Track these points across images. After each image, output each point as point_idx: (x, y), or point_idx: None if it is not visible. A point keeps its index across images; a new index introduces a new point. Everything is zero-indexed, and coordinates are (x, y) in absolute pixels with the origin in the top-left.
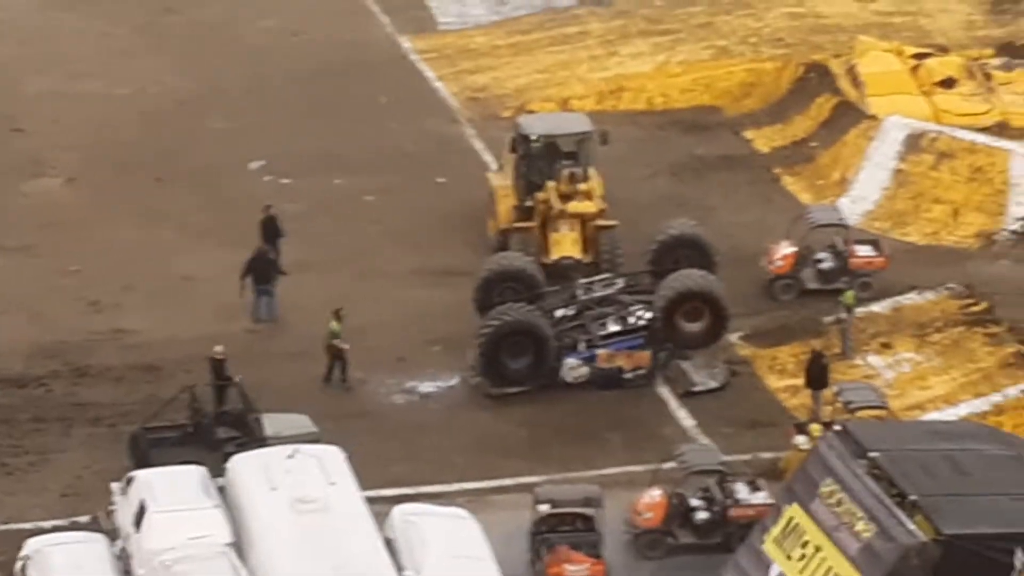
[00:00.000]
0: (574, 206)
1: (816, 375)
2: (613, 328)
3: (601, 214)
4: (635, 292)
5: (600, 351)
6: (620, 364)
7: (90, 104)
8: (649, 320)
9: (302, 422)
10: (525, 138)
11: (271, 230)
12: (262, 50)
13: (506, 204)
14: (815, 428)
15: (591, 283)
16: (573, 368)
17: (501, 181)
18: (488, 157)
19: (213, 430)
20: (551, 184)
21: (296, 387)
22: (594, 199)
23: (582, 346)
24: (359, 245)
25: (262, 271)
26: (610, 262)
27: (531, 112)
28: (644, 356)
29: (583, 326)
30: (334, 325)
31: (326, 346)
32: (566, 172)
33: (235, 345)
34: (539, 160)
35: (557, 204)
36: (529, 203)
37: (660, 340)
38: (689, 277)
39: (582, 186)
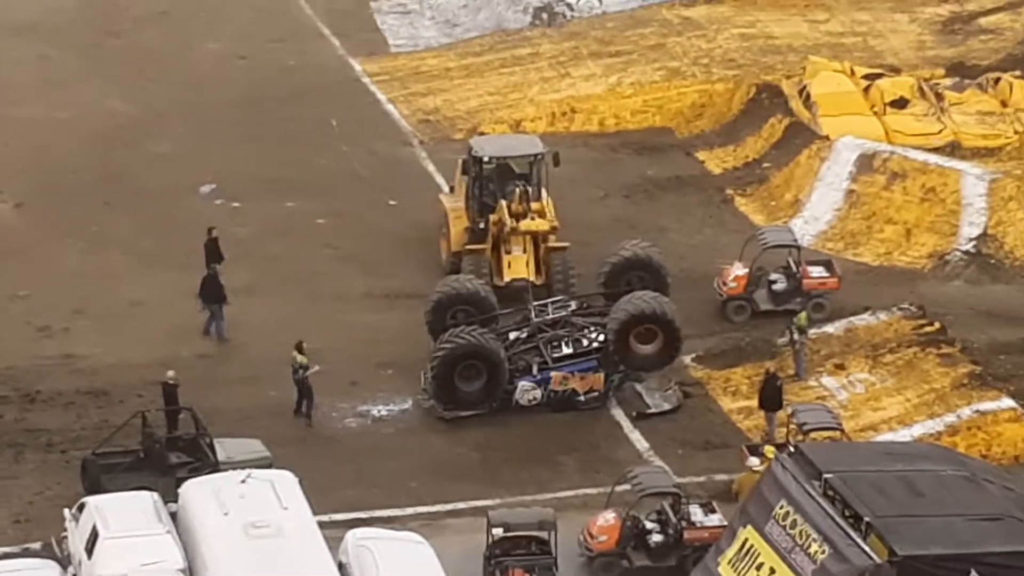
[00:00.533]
0: (526, 224)
1: (770, 396)
2: (566, 351)
3: (553, 232)
4: (588, 314)
5: (553, 374)
6: (574, 387)
7: (34, 129)
8: (602, 342)
9: (254, 447)
10: (477, 160)
11: (214, 253)
12: (209, 74)
13: (458, 226)
14: (769, 450)
15: (544, 305)
16: (526, 391)
17: (453, 203)
18: (440, 179)
19: (165, 455)
20: (503, 203)
21: (248, 411)
22: (546, 218)
23: (535, 369)
24: (311, 268)
25: (211, 292)
26: (563, 284)
27: (483, 134)
28: (597, 378)
29: (536, 348)
30: (301, 358)
31: (296, 381)
32: (518, 191)
33: (186, 369)
34: (491, 182)
35: (509, 222)
36: (482, 225)
37: (613, 362)
38: (642, 299)
39: (534, 205)
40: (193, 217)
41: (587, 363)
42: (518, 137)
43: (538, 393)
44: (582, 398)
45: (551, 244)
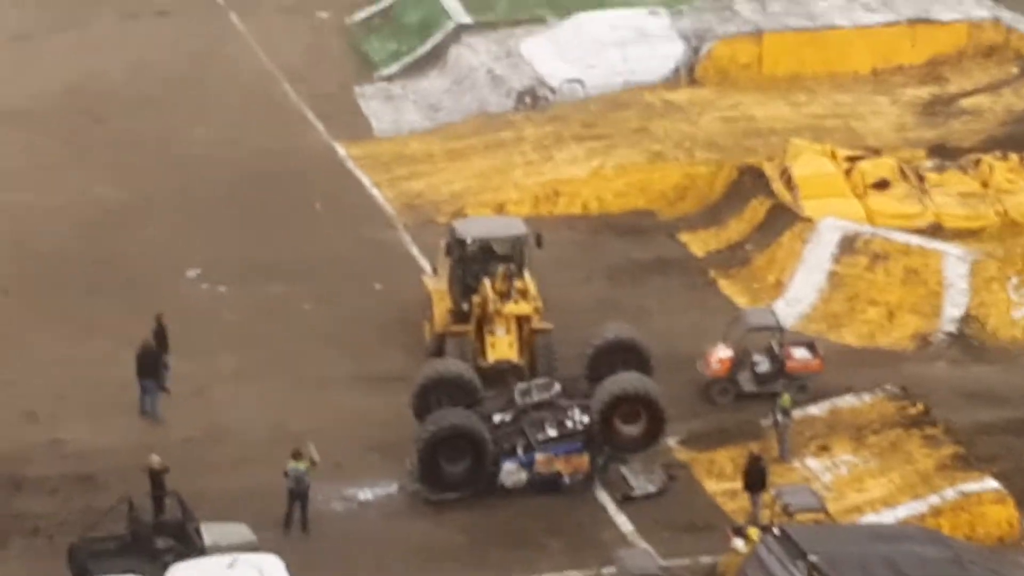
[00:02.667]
0: (510, 307)
1: (754, 478)
2: (551, 432)
3: (537, 314)
4: (572, 396)
5: (538, 456)
6: (559, 469)
7: (22, 215)
8: (587, 424)
9: (241, 531)
10: (460, 242)
11: (161, 340)
12: (195, 158)
13: (442, 308)
14: (753, 531)
15: (528, 387)
16: (511, 473)
17: (437, 285)
18: (424, 262)
19: (152, 540)
20: (486, 282)
21: (234, 496)
22: (529, 299)
23: (520, 451)
24: (296, 352)
25: (148, 366)
26: (546, 366)
27: (466, 216)
28: (583, 460)
29: (521, 431)
30: (295, 465)
31: (290, 490)
32: (501, 270)
33: (172, 454)
34: (474, 263)
35: (493, 304)
36: (465, 307)
37: (598, 444)
38: (626, 380)
39: (518, 284)
40: (180, 302)
41: (572, 445)
42: (501, 219)
43: (523, 475)
44: (567, 480)
45: (535, 326)
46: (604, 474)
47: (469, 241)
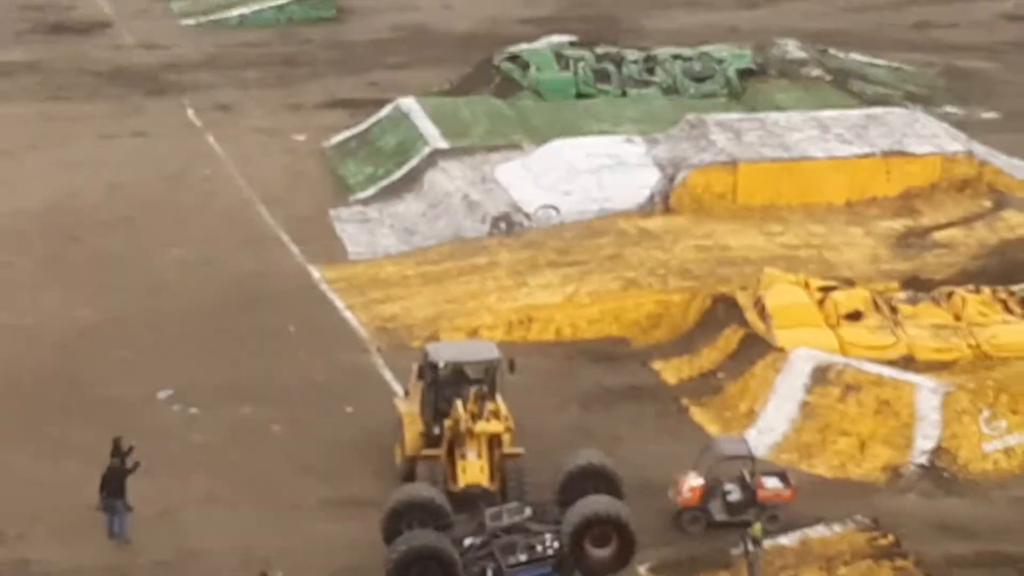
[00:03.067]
0: (481, 426)
1: None
2: (521, 557)
3: (508, 433)
4: (543, 521)
5: None
6: None
7: None
8: (557, 548)
9: None
10: (433, 365)
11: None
12: (169, 279)
13: (413, 431)
14: None
15: (499, 511)
16: None
17: (408, 408)
18: (397, 387)
19: None
20: (458, 403)
21: None
22: (501, 419)
23: (490, 574)
24: (267, 475)
25: (114, 487)
26: (517, 490)
27: (439, 340)
28: None
29: (491, 554)
30: None
31: None
32: (474, 391)
33: None
34: (447, 387)
35: (465, 423)
36: (436, 430)
37: (569, 568)
38: (597, 502)
39: (490, 406)
40: (151, 424)
41: (542, 569)
42: (473, 343)
43: None
44: None
45: (506, 451)
46: None
47: (442, 365)
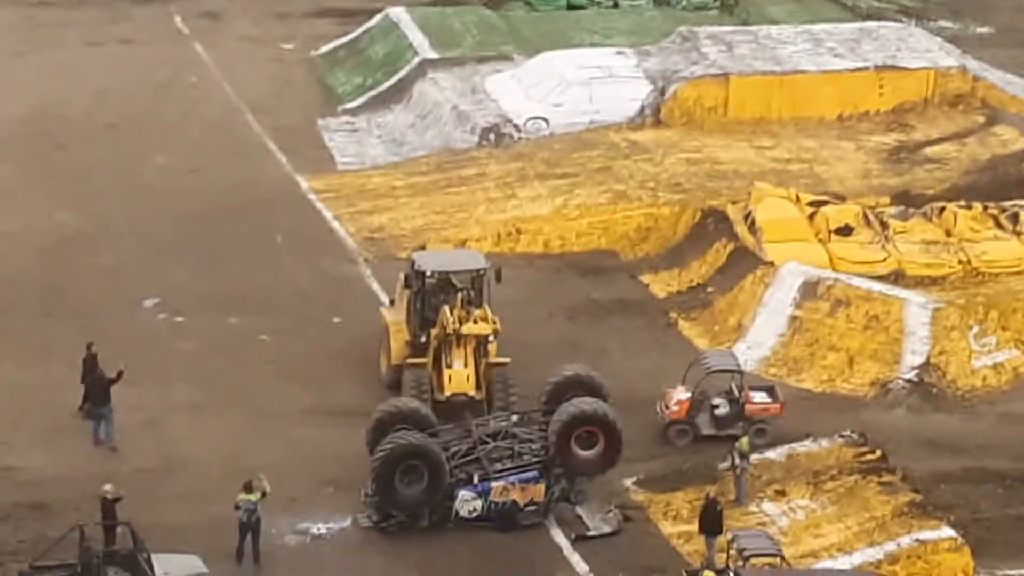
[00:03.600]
0: (468, 327)
1: (710, 521)
2: (507, 462)
3: (495, 335)
4: (529, 428)
5: (494, 484)
6: (514, 498)
7: None
8: (543, 452)
9: (192, 563)
10: (420, 274)
11: (91, 368)
12: (156, 187)
13: (399, 340)
14: (708, 574)
15: (486, 420)
16: (467, 501)
17: (394, 317)
18: (384, 297)
19: (103, 570)
20: (446, 309)
21: (187, 527)
22: (489, 322)
23: (476, 479)
24: (253, 384)
25: (100, 395)
26: (503, 399)
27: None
28: (538, 490)
29: (477, 460)
30: (246, 497)
31: (241, 523)
32: (461, 296)
33: (126, 484)
34: (434, 296)
35: (452, 324)
36: (423, 339)
37: (554, 472)
38: (584, 402)
39: (477, 312)
40: (137, 331)
41: (528, 473)
42: (461, 252)
43: (478, 504)
44: (523, 510)
45: (491, 360)
46: (559, 508)
47: (429, 273)
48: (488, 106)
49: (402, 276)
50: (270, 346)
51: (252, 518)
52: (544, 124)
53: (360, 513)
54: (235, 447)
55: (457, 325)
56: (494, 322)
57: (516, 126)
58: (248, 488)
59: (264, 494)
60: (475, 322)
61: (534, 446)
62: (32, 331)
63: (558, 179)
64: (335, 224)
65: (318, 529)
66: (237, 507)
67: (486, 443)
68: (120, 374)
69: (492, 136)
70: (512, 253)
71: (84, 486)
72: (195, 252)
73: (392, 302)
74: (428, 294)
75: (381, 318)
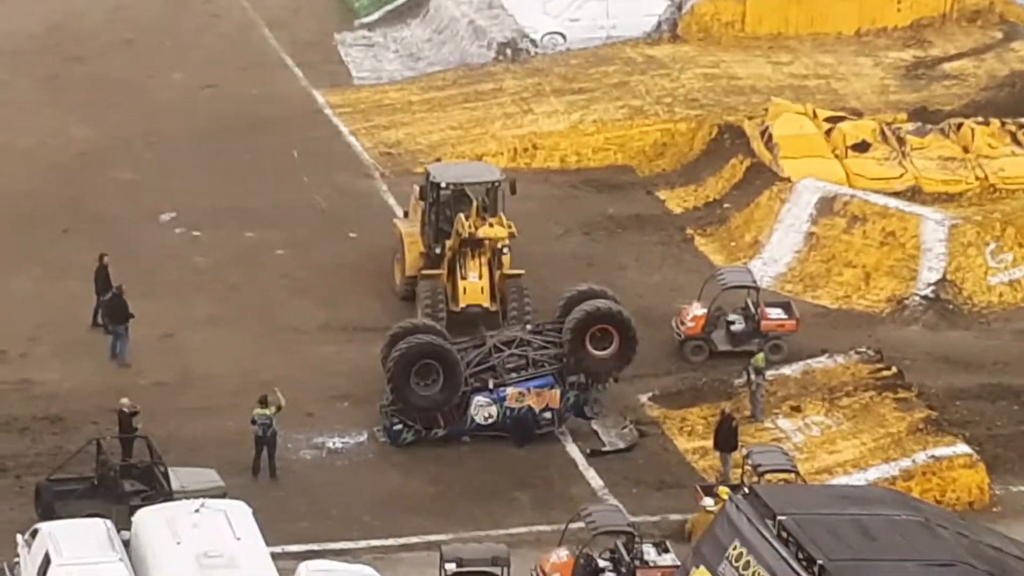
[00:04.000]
0: (485, 230)
1: (725, 437)
2: (522, 369)
3: (511, 238)
4: (543, 333)
5: (509, 390)
6: (530, 403)
7: None
8: (557, 357)
9: (209, 476)
10: (435, 186)
11: (104, 280)
12: (172, 102)
13: (414, 251)
14: (723, 490)
15: (500, 330)
16: (482, 407)
17: (408, 228)
18: (400, 212)
19: (119, 483)
20: (461, 216)
21: (203, 441)
22: (505, 227)
23: (491, 385)
24: (269, 299)
25: (118, 312)
26: (517, 311)
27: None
28: (553, 395)
29: (492, 367)
30: (262, 411)
31: (257, 437)
32: (476, 203)
33: (143, 397)
34: (448, 208)
35: (468, 229)
36: (438, 251)
37: (569, 376)
38: (598, 301)
39: (492, 220)
40: (153, 245)
41: (543, 379)
42: (475, 164)
43: (494, 410)
44: (538, 417)
45: (506, 271)
46: (573, 413)
47: (444, 185)
48: (505, 21)
49: (416, 188)
50: (286, 260)
51: (268, 432)
52: (561, 39)
53: (377, 428)
54: (251, 362)
55: (473, 229)
56: (510, 226)
57: (533, 41)
58: (263, 402)
59: (279, 408)
60: (491, 226)
61: (549, 353)
62: (49, 246)
63: (574, 94)
64: (351, 139)
65: (334, 443)
66: (253, 421)
67: (500, 351)
68: (119, 290)
69: (509, 51)
70: (528, 169)
71: (101, 400)
72: (211, 167)
73: (406, 214)
74: (443, 206)
75: (395, 229)
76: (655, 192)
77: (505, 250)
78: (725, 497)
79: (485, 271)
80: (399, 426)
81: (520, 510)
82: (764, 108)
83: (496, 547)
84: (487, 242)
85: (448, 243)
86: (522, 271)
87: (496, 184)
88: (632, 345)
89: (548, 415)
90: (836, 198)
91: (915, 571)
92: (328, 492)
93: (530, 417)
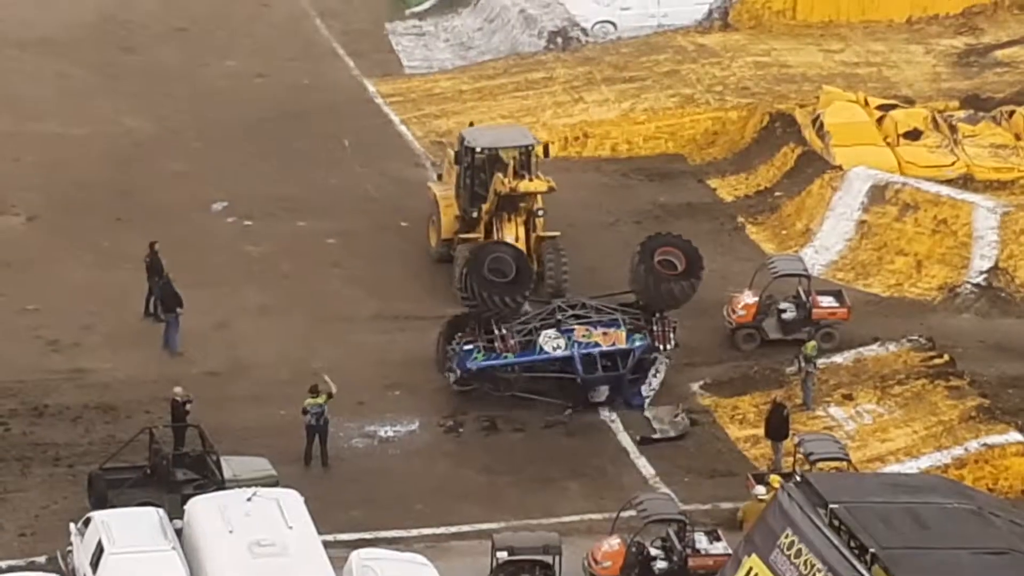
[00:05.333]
0: (525, 185)
1: (776, 425)
2: (589, 317)
3: (550, 192)
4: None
5: (576, 326)
6: (596, 340)
7: (50, 144)
8: (623, 306)
9: (261, 465)
10: (469, 150)
11: (156, 268)
12: (224, 91)
13: (449, 214)
14: (774, 479)
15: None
16: (551, 339)
17: (443, 192)
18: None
19: (172, 472)
20: (499, 175)
21: (255, 430)
22: (544, 181)
23: (560, 324)
24: (321, 288)
25: (166, 299)
26: (555, 272)
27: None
28: (619, 335)
29: (558, 320)
30: (313, 400)
31: (307, 425)
32: (513, 162)
33: (195, 386)
34: (482, 172)
35: (507, 185)
36: (474, 214)
37: (641, 295)
38: (670, 235)
39: (529, 177)
40: (205, 234)
41: (610, 320)
42: (509, 128)
43: (562, 342)
44: (606, 354)
45: (540, 233)
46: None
47: (479, 149)
48: (555, 10)
49: (451, 152)
50: (337, 249)
51: (320, 421)
52: (612, 28)
53: (447, 366)
54: (303, 351)
55: (514, 184)
56: (548, 181)
57: (584, 30)
58: (314, 391)
59: (330, 395)
60: (530, 180)
61: (612, 316)
62: (102, 235)
63: (625, 83)
64: (402, 128)
65: (385, 432)
66: (305, 411)
67: (564, 311)
68: (167, 278)
69: (559, 40)
70: (579, 157)
71: (153, 389)
72: (263, 156)
73: (439, 177)
74: (477, 170)
75: (429, 193)
76: (706, 180)
77: (540, 213)
78: (777, 486)
79: (522, 232)
80: (469, 346)
81: (571, 498)
82: (815, 96)
83: (548, 535)
84: (522, 205)
85: (484, 206)
86: (558, 233)
87: (530, 148)
88: (697, 267)
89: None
90: (888, 186)
91: (967, 559)
92: (380, 481)
93: (596, 354)
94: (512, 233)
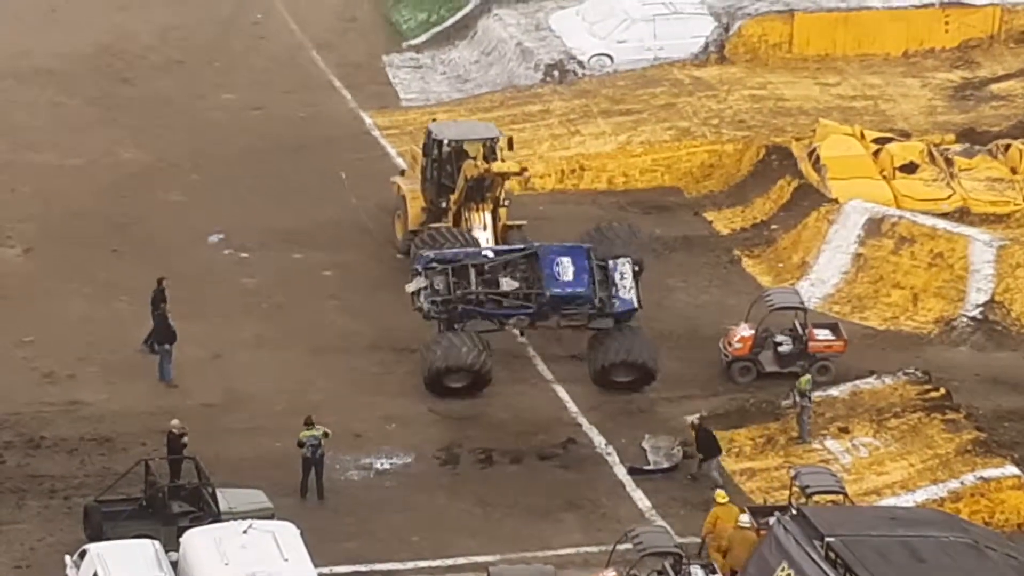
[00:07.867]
0: (498, 165)
1: (707, 444)
2: None
3: (523, 173)
4: None
5: None
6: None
7: (46, 175)
8: None
9: (257, 497)
10: (436, 143)
11: (157, 300)
12: (221, 124)
13: (415, 207)
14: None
15: None
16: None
17: (409, 185)
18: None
19: (167, 504)
20: (470, 161)
21: (251, 462)
22: (516, 163)
23: None
24: (316, 320)
25: (163, 333)
26: None
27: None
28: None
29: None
30: (308, 433)
31: (304, 458)
32: (483, 147)
33: (190, 418)
34: (449, 164)
35: (479, 167)
36: (443, 204)
37: None
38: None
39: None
40: (202, 266)
41: None
42: (475, 123)
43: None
44: None
45: (506, 222)
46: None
47: (445, 142)
48: (552, 43)
49: (414, 148)
50: (334, 281)
51: (316, 454)
52: (608, 61)
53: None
54: (299, 383)
55: (486, 165)
56: (520, 162)
57: (580, 63)
58: (309, 423)
59: (326, 434)
60: (502, 161)
61: None
62: (98, 266)
63: (622, 116)
64: (399, 160)
65: (381, 464)
66: (301, 444)
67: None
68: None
69: (556, 73)
70: (576, 190)
71: (149, 421)
72: (260, 188)
73: (403, 172)
74: (444, 162)
75: (395, 186)
76: (702, 213)
77: (505, 203)
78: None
79: (489, 221)
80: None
81: (567, 531)
82: (812, 129)
83: (543, 568)
84: (489, 195)
85: (452, 196)
86: (523, 222)
87: (495, 140)
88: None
89: None
90: (884, 219)
91: None
92: (376, 513)
93: None
94: (480, 223)
